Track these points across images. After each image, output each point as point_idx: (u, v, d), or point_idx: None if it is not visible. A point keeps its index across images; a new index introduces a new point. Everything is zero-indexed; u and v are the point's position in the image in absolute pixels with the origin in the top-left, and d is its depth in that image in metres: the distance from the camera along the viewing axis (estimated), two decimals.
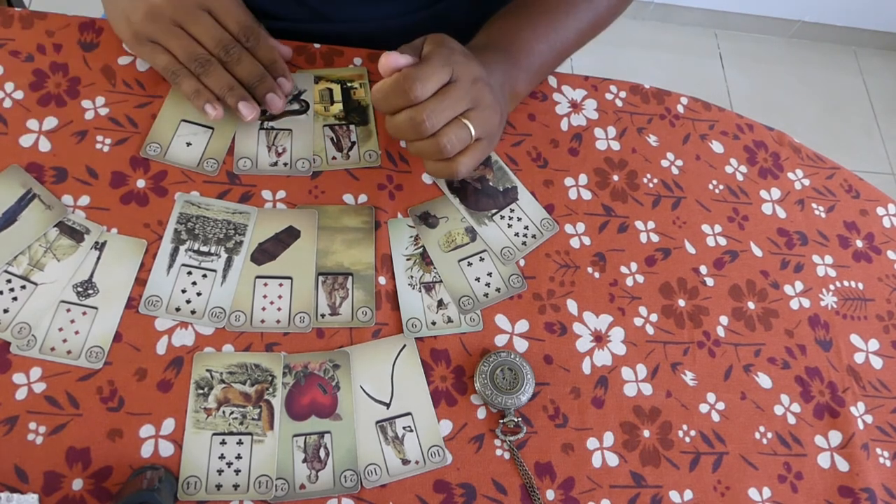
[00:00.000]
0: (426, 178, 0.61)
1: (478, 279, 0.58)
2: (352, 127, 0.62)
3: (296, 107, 0.62)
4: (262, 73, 0.57)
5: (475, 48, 0.59)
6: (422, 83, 0.49)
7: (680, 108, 0.69)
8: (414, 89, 0.49)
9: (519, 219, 0.60)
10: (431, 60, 0.51)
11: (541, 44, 0.60)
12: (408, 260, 0.57)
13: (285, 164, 0.59)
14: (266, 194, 0.58)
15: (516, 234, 0.60)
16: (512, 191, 0.62)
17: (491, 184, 0.62)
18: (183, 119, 0.59)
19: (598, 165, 0.64)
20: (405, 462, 0.51)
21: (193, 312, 0.53)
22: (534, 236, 0.60)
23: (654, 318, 0.59)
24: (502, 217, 0.60)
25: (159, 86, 0.60)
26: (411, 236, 0.58)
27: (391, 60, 0.50)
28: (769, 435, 0.56)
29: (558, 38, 0.61)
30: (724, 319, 0.60)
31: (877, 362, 0.61)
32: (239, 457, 0.49)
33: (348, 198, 0.59)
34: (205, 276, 0.54)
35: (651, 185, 0.64)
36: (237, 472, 0.49)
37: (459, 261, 0.58)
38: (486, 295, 0.57)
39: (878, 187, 0.83)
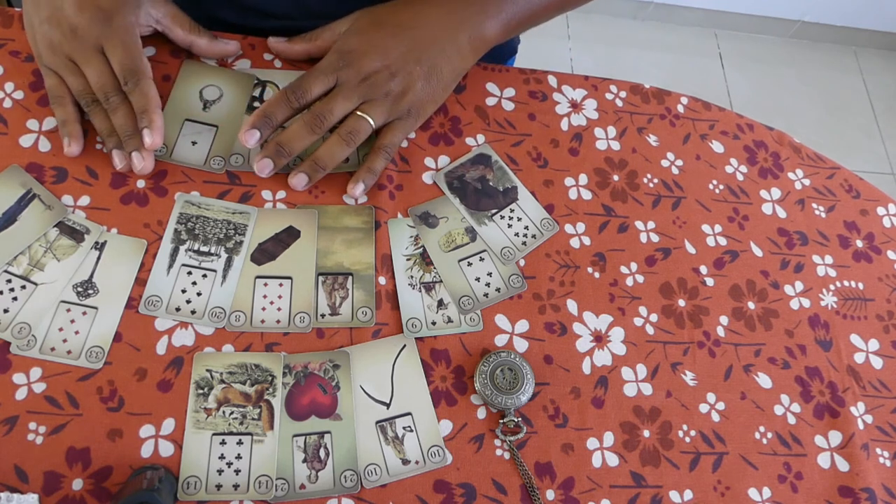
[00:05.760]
0: (426, 178, 0.61)
1: (478, 279, 0.58)
2: None
3: None
4: (133, 130, 0.55)
5: None
6: (305, 91, 0.56)
7: (680, 108, 0.69)
8: (297, 97, 0.56)
9: (519, 219, 0.60)
10: (314, 70, 0.57)
11: None
12: (408, 260, 0.57)
13: None
14: (266, 194, 0.58)
15: (516, 234, 0.60)
16: (512, 191, 0.62)
17: (491, 184, 0.62)
18: (187, 118, 0.59)
19: (598, 165, 0.64)
20: (405, 462, 0.51)
21: (193, 312, 0.53)
22: (534, 236, 0.60)
23: (654, 318, 0.59)
24: (502, 217, 0.60)
25: (160, 86, 0.60)
26: (411, 236, 0.58)
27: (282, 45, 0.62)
28: (769, 435, 0.56)
29: None
30: (724, 319, 0.60)
31: (877, 362, 0.61)
32: (239, 457, 0.49)
33: (348, 198, 0.59)
34: (205, 276, 0.54)
35: (651, 185, 0.64)
36: (237, 472, 0.49)
37: (459, 261, 0.58)
38: (486, 295, 0.57)
39: (879, 187, 0.83)
